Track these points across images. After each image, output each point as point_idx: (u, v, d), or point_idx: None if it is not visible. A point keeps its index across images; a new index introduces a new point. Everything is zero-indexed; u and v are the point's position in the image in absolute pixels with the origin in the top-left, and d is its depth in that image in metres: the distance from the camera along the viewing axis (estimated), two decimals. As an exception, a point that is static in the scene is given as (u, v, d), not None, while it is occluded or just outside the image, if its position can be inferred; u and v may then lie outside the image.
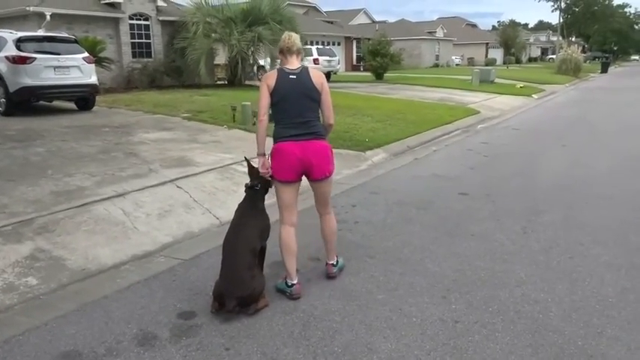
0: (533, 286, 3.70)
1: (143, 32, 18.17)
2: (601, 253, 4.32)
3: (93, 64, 11.19)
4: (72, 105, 11.46)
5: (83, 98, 11.21)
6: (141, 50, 18.10)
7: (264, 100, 3.57)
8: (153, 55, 18.28)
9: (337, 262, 3.97)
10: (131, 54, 17.70)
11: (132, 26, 17.76)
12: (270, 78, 3.56)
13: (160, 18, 18.34)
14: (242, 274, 3.23)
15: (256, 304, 3.28)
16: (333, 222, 3.95)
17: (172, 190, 5.73)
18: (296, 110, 3.56)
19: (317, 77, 3.63)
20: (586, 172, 7.42)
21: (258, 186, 3.57)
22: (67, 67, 10.44)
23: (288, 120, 3.57)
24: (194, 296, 3.54)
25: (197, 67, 17.19)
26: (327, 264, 3.95)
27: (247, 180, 3.66)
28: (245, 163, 3.84)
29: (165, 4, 18.79)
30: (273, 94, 3.54)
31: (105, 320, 3.22)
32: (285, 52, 3.65)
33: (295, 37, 3.70)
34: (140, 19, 18.00)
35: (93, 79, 10.97)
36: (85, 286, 3.76)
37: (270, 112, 3.62)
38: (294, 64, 3.62)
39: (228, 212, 5.00)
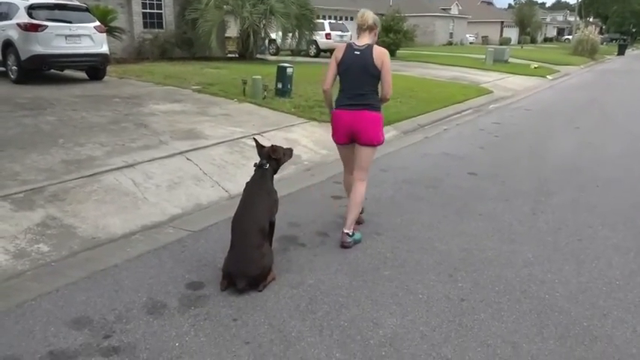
0: (541, 267, 3.71)
1: (155, 2, 17.98)
2: (609, 235, 4.31)
3: (104, 34, 11.12)
4: (83, 74, 11.43)
5: (94, 68, 11.16)
6: (152, 21, 17.95)
7: (330, 71, 4.09)
8: (164, 26, 18.13)
9: (353, 233, 4.05)
10: (142, 24, 17.56)
11: (144, -4, 17.60)
12: (339, 51, 4.06)
13: (172, -12, 18.15)
14: (252, 254, 3.22)
15: (265, 280, 3.30)
16: (359, 192, 4.14)
17: (182, 162, 5.75)
18: (355, 83, 3.99)
19: (379, 55, 3.95)
20: (597, 155, 7.35)
21: (266, 165, 3.57)
22: (79, 35, 10.39)
23: (347, 90, 4.05)
24: (202, 267, 3.58)
25: (208, 40, 17.04)
26: (342, 232, 4.02)
27: (257, 154, 3.66)
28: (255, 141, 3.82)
29: (178, -26, 18.57)
30: (339, 65, 4.03)
31: (115, 288, 3.27)
32: (358, 28, 4.08)
33: (367, 16, 4.04)
34: (152, -11, 17.82)
35: (104, 49, 10.91)
36: (95, 255, 3.81)
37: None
38: (362, 40, 4.02)
39: (237, 185, 5.03)
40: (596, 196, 5.44)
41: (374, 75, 3.96)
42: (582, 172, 6.41)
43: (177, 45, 17.76)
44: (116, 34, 15.13)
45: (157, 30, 17.78)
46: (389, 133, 8.37)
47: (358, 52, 3.96)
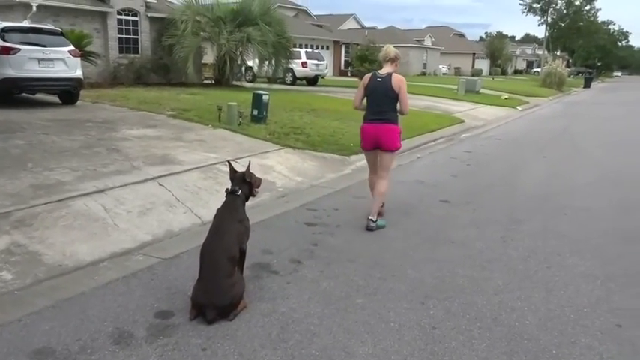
0: (511, 294, 3.75)
1: (131, 28, 18.00)
2: (577, 263, 4.39)
3: (78, 58, 11.05)
4: (55, 98, 11.29)
5: (67, 92, 11.05)
6: (128, 46, 17.93)
7: (359, 93, 5.26)
8: (140, 52, 18.13)
9: (377, 220, 5.07)
10: (118, 49, 17.52)
11: (120, 21, 17.58)
12: (366, 79, 5.19)
13: (149, 14, 18.20)
14: (221, 283, 3.16)
15: (236, 309, 3.24)
16: (382, 186, 5.24)
17: (154, 188, 5.69)
18: (377, 103, 5.09)
19: (397, 81, 5.02)
20: (565, 184, 7.54)
21: (238, 192, 3.54)
22: (52, 59, 10.30)
23: (372, 108, 5.14)
24: (172, 295, 3.51)
25: (185, 66, 17.09)
26: (367, 219, 5.05)
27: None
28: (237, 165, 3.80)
29: (155, 1, 18.65)
30: (366, 89, 5.15)
31: (80, 317, 3.18)
32: (382, 60, 5.22)
33: (390, 50, 5.17)
34: (129, 15, 17.83)
35: (78, 73, 10.83)
36: (62, 283, 3.70)
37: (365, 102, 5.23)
38: (385, 69, 5.12)
39: (210, 212, 4.96)
40: (565, 224, 5.55)
41: (392, 97, 5.04)
42: (551, 200, 6.56)
43: (153, 70, 17.74)
44: (91, 58, 15.05)
45: (132, 55, 17.75)
46: (363, 160, 8.45)
47: (380, 79, 5.07)
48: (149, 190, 5.60)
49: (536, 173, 8.29)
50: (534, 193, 6.88)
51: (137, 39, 18.15)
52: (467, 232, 5.14)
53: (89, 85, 13.66)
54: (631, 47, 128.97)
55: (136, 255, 4.27)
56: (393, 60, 5.14)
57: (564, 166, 8.99)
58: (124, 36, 17.79)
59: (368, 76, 5.21)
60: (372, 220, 5.04)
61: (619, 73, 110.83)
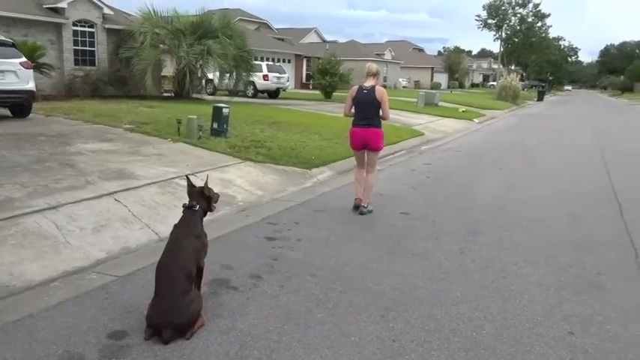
0: (468, 304, 3.81)
1: (87, 39, 17.61)
2: (532, 272, 4.51)
3: (31, 70, 10.70)
4: (6, 111, 10.89)
5: (19, 105, 10.67)
6: (84, 58, 17.52)
7: (348, 104, 6.32)
8: (97, 64, 17.74)
9: (368, 205, 6.23)
10: (73, 61, 17.10)
11: (75, 33, 17.18)
12: (353, 91, 6.25)
13: (106, 26, 17.85)
14: (178, 302, 3.07)
15: (193, 327, 3.16)
16: (371, 178, 6.36)
17: (110, 203, 5.54)
18: (364, 111, 6.17)
19: (379, 93, 6.10)
20: (520, 195, 7.75)
21: (196, 207, 3.48)
22: (2, 71, 9.93)
23: (360, 115, 6.20)
24: (127, 315, 3.40)
25: (143, 78, 16.81)
26: (361, 205, 6.23)
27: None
28: (198, 179, 3.74)
29: (112, 13, 18.32)
30: (354, 100, 6.21)
31: (28, 341, 3.04)
32: (365, 75, 6.28)
33: (372, 66, 6.31)
34: (85, 26, 17.46)
35: (30, 86, 10.48)
36: (9, 304, 3.54)
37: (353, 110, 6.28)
38: (369, 82, 6.18)
39: (168, 227, 4.85)
40: (520, 234, 5.70)
41: (377, 106, 6.11)
42: (507, 211, 6.73)
43: (111, 83, 17.38)
44: (45, 70, 14.62)
45: (89, 67, 17.37)
46: (324, 173, 8.50)
47: (366, 91, 6.13)
48: (104, 205, 5.45)
49: (493, 185, 8.51)
50: (491, 205, 7.05)
51: (94, 51, 17.77)
52: (426, 244, 5.20)
53: (43, 98, 13.26)
54: (580, 62, 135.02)
55: (90, 273, 4.13)
56: (375, 74, 6.25)
57: (519, 177, 9.26)
58: (80, 48, 17.39)
59: (355, 88, 6.26)
60: (364, 206, 6.21)
61: (569, 87, 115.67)
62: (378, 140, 6.25)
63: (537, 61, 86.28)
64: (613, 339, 3.36)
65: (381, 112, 6.18)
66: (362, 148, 6.31)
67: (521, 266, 4.66)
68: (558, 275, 4.47)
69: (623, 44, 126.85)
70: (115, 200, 5.61)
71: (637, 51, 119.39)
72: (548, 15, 74.86)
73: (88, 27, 17.56)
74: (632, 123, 24.48)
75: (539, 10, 74.02)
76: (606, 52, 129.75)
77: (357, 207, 6.27)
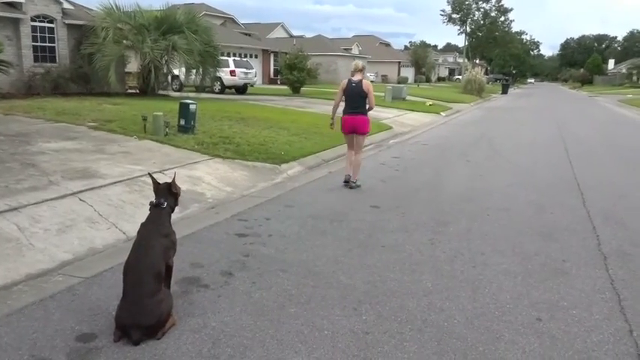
0: (439, 295, 3.86)
1: (47, 35, 17.05)
2: (500, 261, 4.60)
3: (-13, 68, 10.32)
4: (-38, 111, 10.48)
5: (-25, 104, 10.28)
6: (44, 54, 16.95)
7: (338, 96, 7.36)
8: (58, 60, 17.20)
9: (357, 181, 7.36)
10: (33, 58, 16.53)
11: (34, 28, 16.61)
12: (344, 84, 7.26)
13: (67, 21, 17.31)
14: (147, 302, 3.01)
15: (163, 327, 3.11)
16: (358, 158, 7.45)
17: (75, 203, 5.39)
18: (353, 101, 7.24)
19: (365, 85, 7.16)
20: (486, 186, 7.90)
21: (164, 204, 3.42)
22: (-43, 69, 9.55)
23: (349, 105, 7.26)
24: (95, 317, 3.32)
25: (106, 75, 16.35)
26: (350, 181, 7.34)
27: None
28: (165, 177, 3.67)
29: (73, 8, 17.78)
30: (344, 92, 7.23)
31: (-9, 347, 2.93)
32: (352, 71, 7.29)
33: (358, 62, 7.31)
34: (44, 22, 16.89)
35: (-13, 84, 10.11)
36: (-30, 310, 3.41)
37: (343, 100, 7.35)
38: (356, 77, 7.21)
39: (135, 226, 4.75)
40: (488, 224, 5.81)
41: (363, 97, 7.17)
42: (474, 202, 6.85)
43: (73, 80, 16.87)
44: (2, 67, 14.10)
45: (49, 64, 16.81)
46: (294, 168, 8.48)
47: (354, 85, 7.18)
48: (69, 206, 5.30)
49: (460, 176, 8.64)
50: (459, 196, 7.16)
51: (54, 47, 17.21)
52: (396, 237, 5.25)
53: (0, 96, 12.80)
54: (542, 56, 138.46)
55: (55, 276, 4.01)
56: (361, 70, 7.26)
57: (485, 168, 9.43)
58: (40, 44, 16.82)
59: (345, 82, 7.27)
60: (353, 181, 7.32)
61: (532, 80, 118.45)
62: (364, 125, 7.30)
63: (501, 55, 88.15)
64: (578, 323, 3.46)
65: (367, 103, 7.23)
66: (351, 132, 7.36)
67: (490, 256, 4.75)
68: (525, 263, 4.57)
69: (582, 38, 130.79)
70: (80, 200, 5.47)
71: (595, 44, 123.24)
72: (511, 10, 76.71)
73: (48, 22, 17.00)
74: (593, 114, 25.24)
75: (502, 5, 75.60)
76: (566, 46, 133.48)
77: (346, 182, 7.35)
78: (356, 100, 7.18)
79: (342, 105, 7.41)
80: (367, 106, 7.27)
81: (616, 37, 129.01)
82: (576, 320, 3.51)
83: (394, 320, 3.43)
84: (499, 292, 3.93)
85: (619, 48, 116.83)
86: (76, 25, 17.58)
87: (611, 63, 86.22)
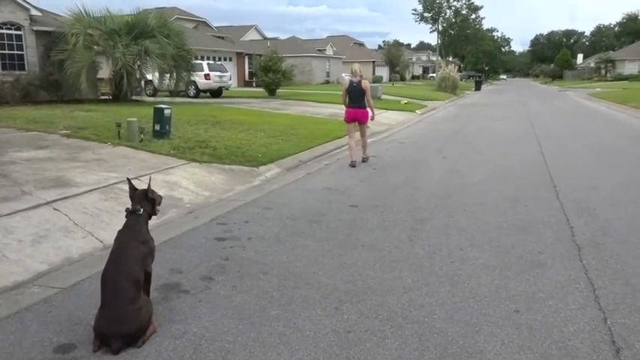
0: (419, 291, 3.90)
1: (15, 43, 16.72)
2: (478, 256, 4.67)
3: (-47, 77, 10.07)
4: None
5: (-59, 114, 10.02)
6: (12, 62, 16.63)
7: (344, 93, 9.50)
8: (27, 68, 16.88)
9: (368, 157, 9.66)
10: (1, 66, 16.22)
11: (1, 36, 16.29)
12: (346, 84, 9.39)
13: (35, 28, 17.01)
14: (126, 311, 2.97)
15: (144, 335, 3.07)
16: (365, 140, 9.84)
17: (49, 213, 5.30)
18: (355, 97, 9.35)
19: (364, 84, 9.31)
20: (463, 181, 8.01)
21: (140, 210, 3.38)
22: None
23: (352, 100, 9.39)
24: (73, 327, 3.27)
25: (77, 81, 16.10)
26: (362, 158, 9.58)
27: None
28: (140, 183, 3.63)
29: (40, 14, 17.47)
30: (348, 90, 9.35)
31: (-34, 362, 2.87)
32: (353, 74, 9.39)
33: (355, 68, 9.50)
34: (11, 29, 16.56)
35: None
36: (-58, 326, 3.33)
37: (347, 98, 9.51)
38: (356, 78, 9.28)
39: (112, 234, 4.69)
40: (465, 220, 5.89)
41: (362, 94, 9.29)
42: (451, 198, 6.93)
43: (43, 87, 16.57)
44: (-31, 76, 13.77)
45: (18, 72, 16.50)
46: (271, 170, 8.47)
47: (355, 84, 9.27)
48: (43, 215, 5.21)
49: (437, 173, 8.74)
50: (436, 192, 7.24)
51: (22, 54, 16.90)
52: (375, 235, 5.28)
53: (-32, 106, 12.48)
54: (513, 52, 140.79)
55: (31, 287, 3.94)
56: (359, 73, 9.36)
57: (461, 164, 9.55)
58: (7, 51, 16.51)
59: (347, 83, 9.36)
60: (364, 158, 9.57)
61: (505, 76, 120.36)
62: (364, 116, 9.41)
63: (473, 52, 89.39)
64: (554, 313, 3.54)
65: (366, 99, 9.34)
66: (352, 121, 9.42)
67: (468, 250, 4.82)
68: (502, 257, 4.65)
69: (551, 33, 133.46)
70: (55, 209, 5.38)
71: (564, 40, 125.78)
72: (481, 7, 77.78)
73: (15, 29, 16.67)
74: (563, 108, 25.76)
75: (472, 3, 76.67)
76: (536, 42, 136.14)
77: (353, 165, 9.05)
78: (357, 96, 9.29)
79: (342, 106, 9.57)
80: (366, 101, 9.38)
81: (584, 32, 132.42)
82: (553, 311, 3.58)
83: (375, 318, 3.46)
84: (477, 286, 3.99)
85: (587, 43, 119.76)
86: (45, 32, 17.29)
87: (579, 57, 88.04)
